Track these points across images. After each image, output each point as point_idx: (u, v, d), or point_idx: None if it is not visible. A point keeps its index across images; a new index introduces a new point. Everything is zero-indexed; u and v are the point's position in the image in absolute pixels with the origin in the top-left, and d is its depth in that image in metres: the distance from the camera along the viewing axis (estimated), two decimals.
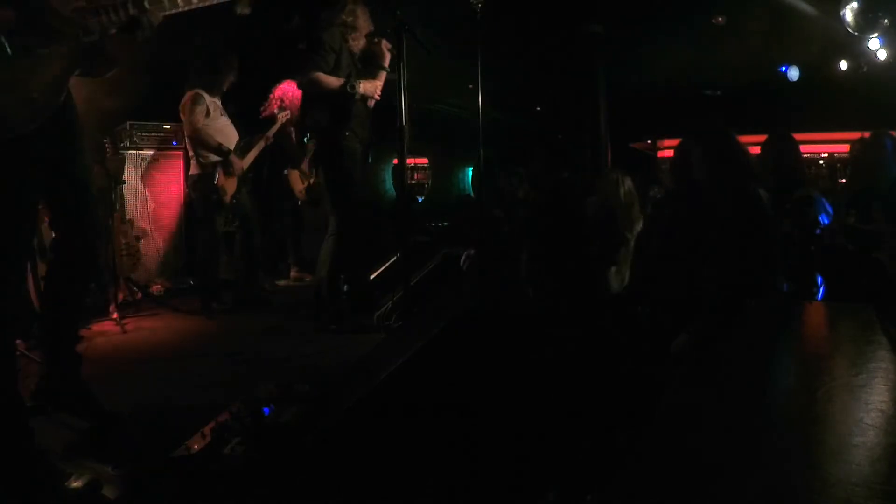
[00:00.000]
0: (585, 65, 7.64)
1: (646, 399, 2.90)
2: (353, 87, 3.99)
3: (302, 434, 2.35)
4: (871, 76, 6.62)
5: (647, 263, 3.69)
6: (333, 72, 4.02)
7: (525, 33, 6.90)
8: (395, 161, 3.99)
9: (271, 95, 5.63)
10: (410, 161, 6.84)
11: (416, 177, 11.07)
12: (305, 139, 5.79)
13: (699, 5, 6.83)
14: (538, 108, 10.45)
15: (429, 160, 11.24)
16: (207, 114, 4.79)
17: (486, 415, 2.08)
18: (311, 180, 6.15)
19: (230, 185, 4.87)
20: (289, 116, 5.47)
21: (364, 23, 4.18)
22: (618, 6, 6.71)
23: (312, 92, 4.11)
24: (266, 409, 2.57)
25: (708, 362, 1.91)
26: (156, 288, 5.42)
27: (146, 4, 2.09)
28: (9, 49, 1.87)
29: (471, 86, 4.45)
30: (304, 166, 6.06)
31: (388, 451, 2.08)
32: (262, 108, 5.60)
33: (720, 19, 6.91)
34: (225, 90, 4.99)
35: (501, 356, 2.11)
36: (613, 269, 3.58)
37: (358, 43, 4.19)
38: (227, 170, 4.82)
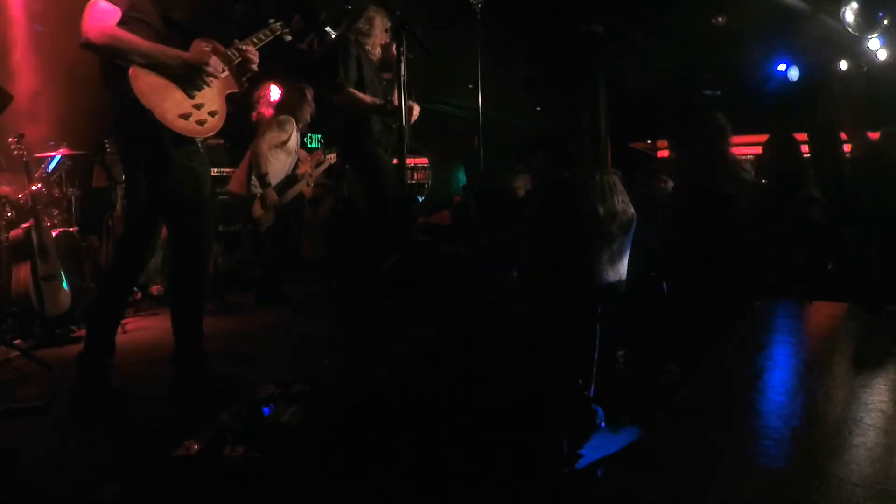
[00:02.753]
0: (585, 65, 7.63)
1: (645, 398, 2.90)
2: (390, 102, 3.97)
3: (302, 434, 2.35)
4: (871, 76, 6.62)
5: (652, 258, 3.73)
6: (359, 81, 4.04)
7: (525, 33, 6.89)
8: (395, 161, 4.00)
9: (260, 96, 5.52)
10: (410, 161, 6.84)
11: (416, 177, 11.07)
12: (305, 139, 5.78)
13: (699, 5, 6.83)
14: (538, 108, 10.46)
15: (429, 160, 11.24)
16: (283, 144, 4.85)
17: (485, 414, 2.08)
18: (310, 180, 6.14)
19: (267, 219, 4.90)
20: (333, 161, 5.43)
21: (381, 32, 4.20)
22: (618, 6, 6.71)
23: (351, 110, 4.10)
24: (266, 409, 2.57)
25: (709, 362, 1.91)
26: (155, 288, 5.41)
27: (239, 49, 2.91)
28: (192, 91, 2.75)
29: (471, 86, 4.45)
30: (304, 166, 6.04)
31: (388, 451, 2.08)
32: (252, 114, 5.50)
33: (720, 19, 6.91)
34: (304, 123, 5.12)
35: (500, 355, 2.11)
36: (610, 266, 3.60)
37: (375, 51, 4.22)
38: (265, 202, 4.85)
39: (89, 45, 2.59)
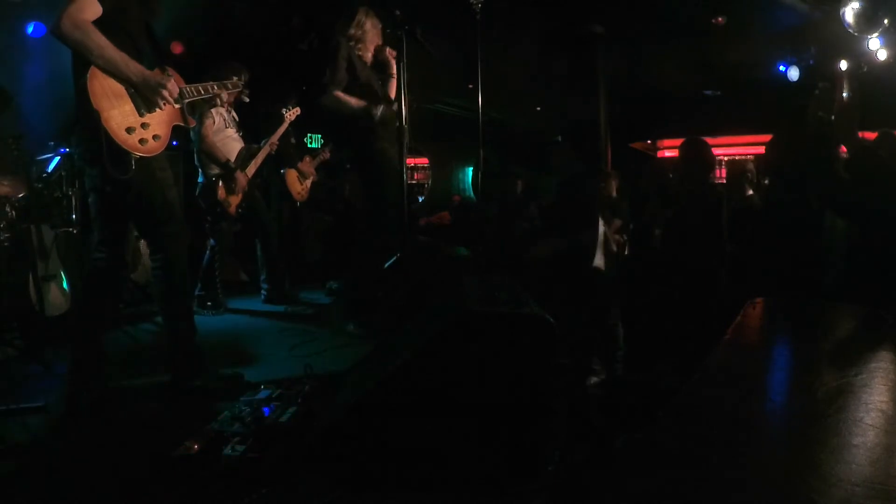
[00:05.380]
0: (585, 65, 7.64)
1: (645, 399, 2.91)
2: (373, 107, 4.00)
3: (302, 434, 2.35)
4: (872, 76, 6.61)
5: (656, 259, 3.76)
6: (351, 82, 4.05)
7: (525, 33, 6.89)
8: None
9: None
10: (410, 161, 6.83)
11: (416, 177, 11.08)
12: (306, 139, 5.75)
13: (700, 5, 6.83)
14: (538, 108, 10.46)
15: (429, 160, 11.25)
16: (215, 127, 4.78)
17: (485, 414, 2.08)
18: (310, 181, 6.13)
19: (234, 198, 4.85)
20: (298, 114, 5.36)
21: (373, 35, 4.21)
22: (618, 7, 6.71)
23: (336, 111, 4.10)
24: (266, 409, 2.57)
25: (709, 362, 1.90)
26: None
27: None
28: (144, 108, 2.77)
29: (471, 86, 4.44)
30: (304, 166, 6.03)
31: (388, 451, 2.08)
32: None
33: (720, 20, 6.91)
34: (229, 102, 4.96)
35: (501, 356, 2.11)
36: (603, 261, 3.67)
37: (367, 54, 4.22)
38: (230, 184, 4.80)
39: (57, 32, 2.57)
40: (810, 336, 2.32)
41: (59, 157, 4.88)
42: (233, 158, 4.85)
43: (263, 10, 6.24)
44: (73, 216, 4.94)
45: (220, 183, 4.74)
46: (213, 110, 4.75)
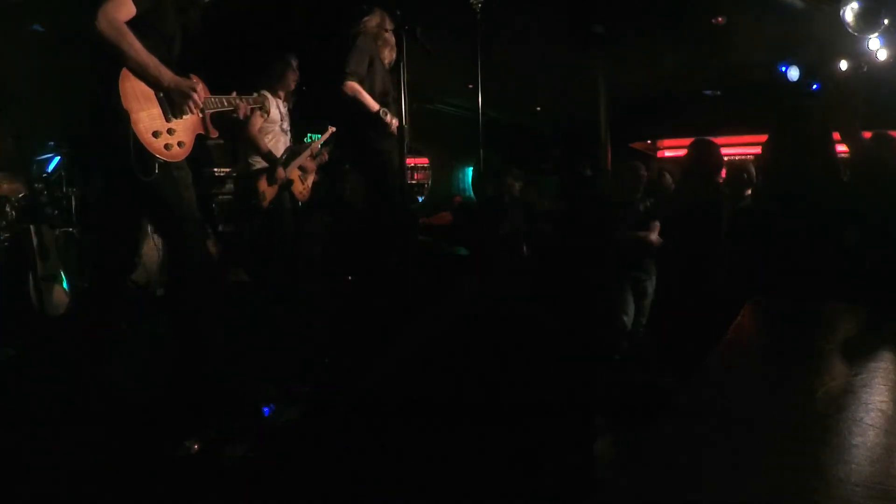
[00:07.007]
0: (585, 65, 7.64)
1: (645, 398, 2.91)
2: (385, 114, 4.00)
3: (302, 434, 2.35)
4: (872, 76, 6.61)
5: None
6: (368, 77, 4.03)
7: (525, 33, 6.89)
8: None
9: None
10: (410, 161, 6.83)
11: (416, 177, 11.08)
12: (306, 139, 5.74)
13: (700, 5, 6.83)
14: (538, 108, 10.46)
15: (429, 160, 11.26)
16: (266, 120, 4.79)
17: (485, 414, 2.08)
18: (311, 180, 6.12)
19: (270, 192, 4.85)
20: (332, 133, 5.36)
21: (392, 41, 4.18)
22: (618, 6, 6.71)
23: (350, 103, 4.08)
24: (266, 409, 2.58)
25: (709, 362, 1.91)
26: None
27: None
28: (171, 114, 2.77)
29: (470, 86, 4.44)
30: (306, 164, 6.02)
31: (389, 451, 2.08)
32: None
33: (720, 19, 6.90)
34: (285, 92, 4.94)
35: (501, 354, 2.11)
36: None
37: (386, 55, 4.20)
38: (271, 178, 4.79)
39: (93, 30, 2.55)
40: (810, 336, 2.32)
41: (59, 157, 4.88)
42: (276, 152, 4.85)
43: (262, 9, 6.23)
44: (73, 216, 4.95)
45: (262, 175, 4.74)
46: (271, 99, 4.71)
